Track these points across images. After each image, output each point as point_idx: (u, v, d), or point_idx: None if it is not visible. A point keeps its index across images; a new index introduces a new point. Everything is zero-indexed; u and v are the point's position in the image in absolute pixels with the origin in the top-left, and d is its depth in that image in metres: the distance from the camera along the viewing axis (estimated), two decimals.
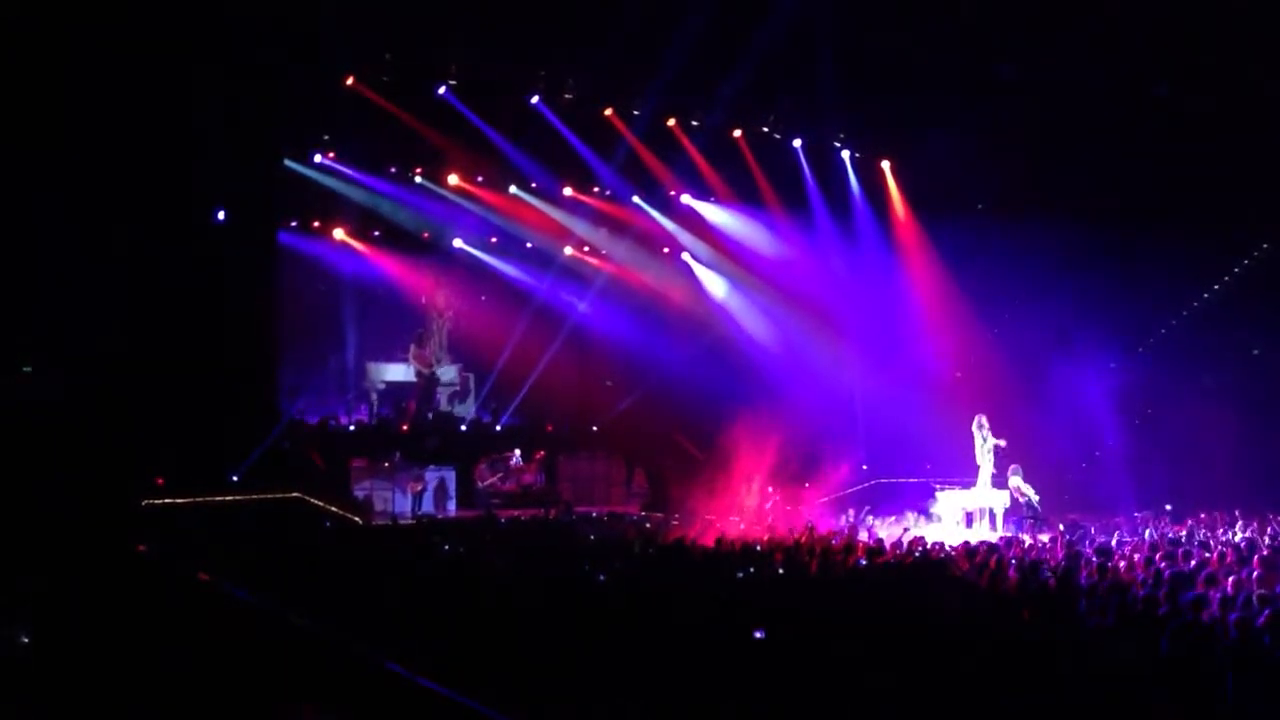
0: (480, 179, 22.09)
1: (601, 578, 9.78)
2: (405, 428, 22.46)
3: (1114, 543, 14.59)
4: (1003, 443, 19.50)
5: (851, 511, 20.24)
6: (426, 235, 23.22)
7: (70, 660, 6.36)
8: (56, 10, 15.52)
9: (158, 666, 6.16)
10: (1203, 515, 18.17)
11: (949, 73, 19.24)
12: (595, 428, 24.57)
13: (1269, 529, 16.06)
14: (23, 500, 13.81)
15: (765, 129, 22.60)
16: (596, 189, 22.85)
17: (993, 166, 21.46)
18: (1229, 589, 9.60)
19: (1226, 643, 7.77)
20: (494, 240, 23.69)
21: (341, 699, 5.77)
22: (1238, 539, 14.56)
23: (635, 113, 21.26)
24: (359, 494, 20.35)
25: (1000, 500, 19.04)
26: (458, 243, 23.54)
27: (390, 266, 23.27)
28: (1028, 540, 15.53)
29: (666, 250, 24.55)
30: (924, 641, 7.69)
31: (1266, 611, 8.28)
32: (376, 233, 22.90)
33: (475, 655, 7.34)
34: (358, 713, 5.70)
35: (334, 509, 18.37)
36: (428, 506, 20.87)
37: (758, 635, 7.47)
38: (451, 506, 21.35)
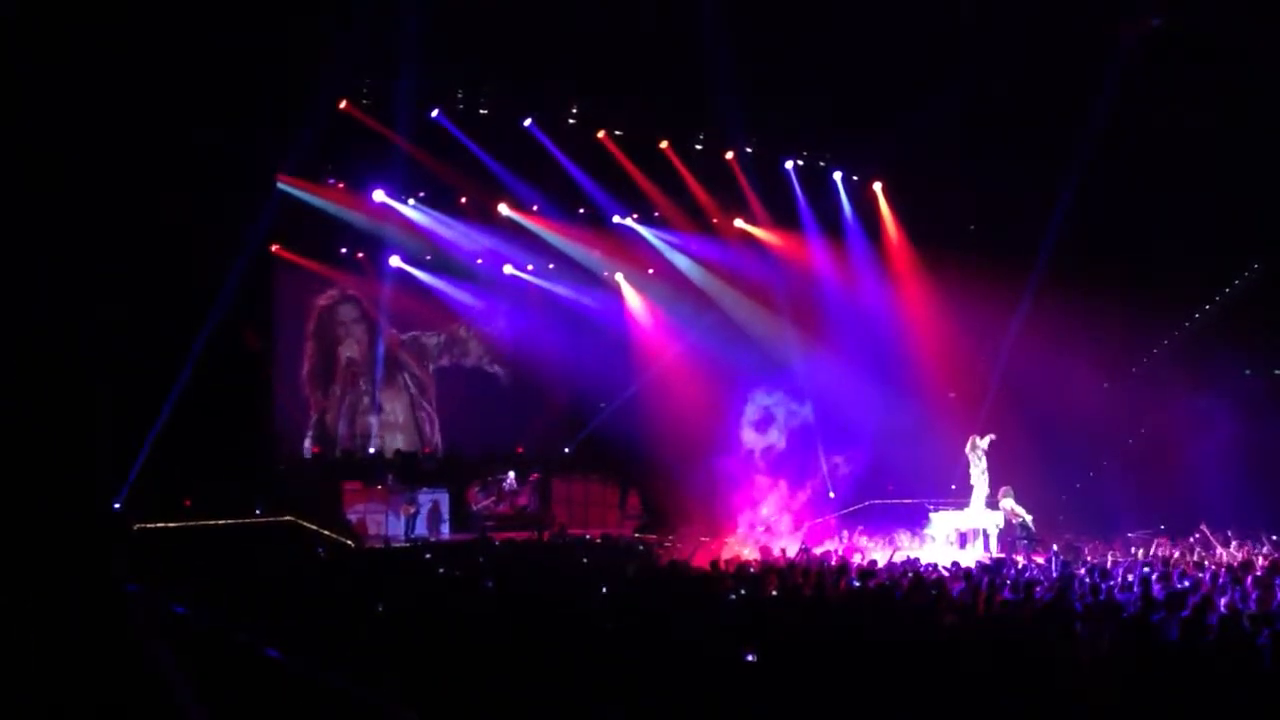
0: (464, 200, 22.11)
1: (606, 623, 9.60)
2: None
3: (1108, 564, 14.57)
4: (987, 441, 19.41)
5: (845, 532, 20.21)
6: (430, 258, 23.21)
7: (48, 690, 6.30)
8: (60, 30, 15.58)
9: (139, 698, 6.11)
10: (1196, 535, 18.15)
11: (941, 96, 19.34)
12: (587, 450, 24.57)
13: (1263, 549, 16.05)
14: (11, 524, 13.76)
15: (757, 151, 22.70)
16: (584, 210, 22.86)
17: (985, 188, 21.54)
18: (1224, 609, 9.58)
19: (1222, 663, 7.75)
20: (479, 261, 23.66)
21: None
22: (1231, 559, 14.56)
23: (628, 135, 21.38)
24: (352, 517, 20.30)
25: (994, 521, 19.00)
26: (453, 266, 23.50)
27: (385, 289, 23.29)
28: (1021, 561, 15.50)
29: (652, 271, 24.57)
30: (917, 663, 7.65)
31: (1265, 631, 8.26)
32: (368, 255, 22.89)
33: (466, 680, 7.30)
34: None
35: (327, 533, 18.34)
36: (421, 530, 20.83)
37: (749, 658, 7.43)
38: (445, 529, 21.30)
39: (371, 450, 23.19)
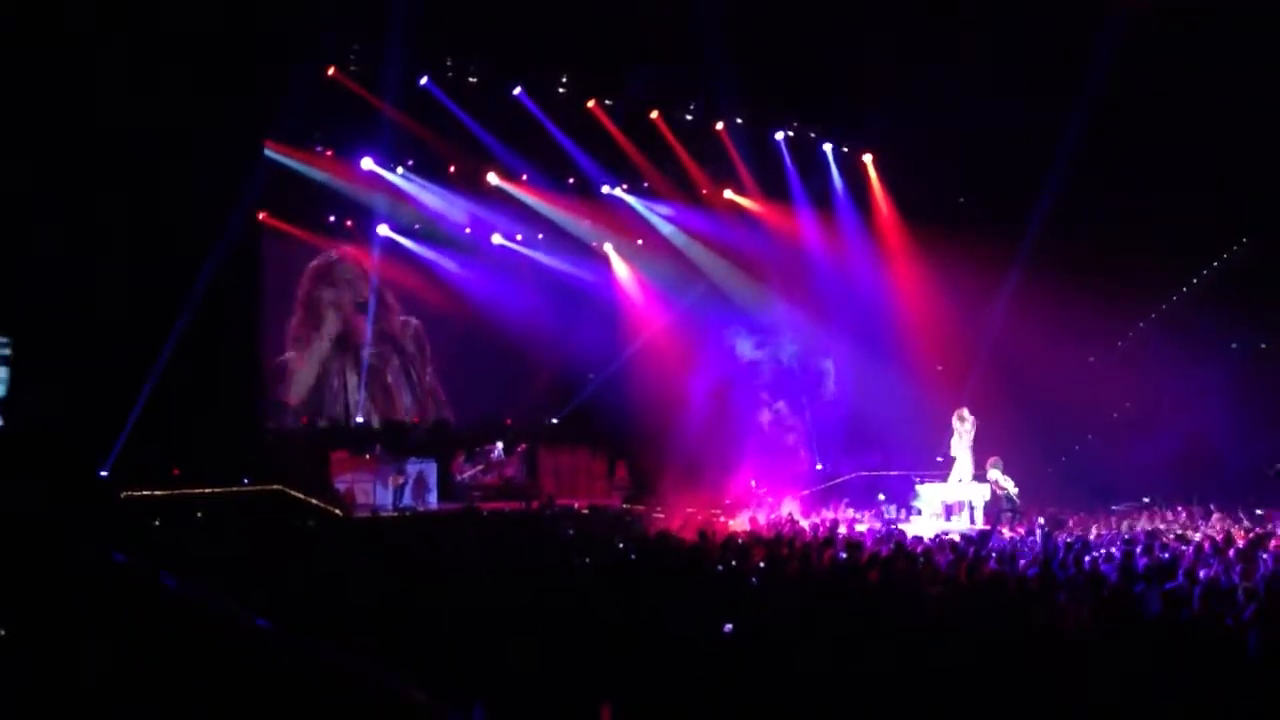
0: (454, 169, 21.99)
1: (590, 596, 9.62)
2: None
3: (1092, 536, 14.69)
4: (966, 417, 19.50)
5: (833, 504, 20.33)
6: (418, 226, 23.10)
7: (40, 670, 6.29)
8: (42, 8, 15.40)
9: (129, 676, 6.10)
10: (1180, 509, 18.31)
11: (933, 66, 19.28)
12: (575, 420, 24.59)
13: (1243, 523, 16.21)
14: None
15: (746, 121, 22.63)
16: (573, 179, 22.77)
17: (974, 160, 21.52)
18: (1205, 582, 9.68)
19: (1204, 635, 7.84)
20: (468, 230, 23.55)
21: (322, 708, 5.73)
22: (1214, 533, 14.69)
23: (617, 104, 21.27)
24: (340, 487, 20.29)
25: (980, 493, 19.11)
26: (444, 235, 23.36)
27: (373, 258, 23.22)
28: (1006, 533, 15.62)
29: (642, 242, 24.53)
30: (902, 635, 7.71)
31: (1252, 607, 8.35)
32: (357, 223, 22.78)
33: (454, 653, 7.33)
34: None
35: (315, 502, 18.32)
36: (408, 499, 20.82)
37: (726, 629, 7.47)
38: (432, 499, 21.28)
39: (360, 419, 23.17)
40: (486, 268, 23.62)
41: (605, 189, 23.01)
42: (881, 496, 20.81)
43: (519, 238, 23.84)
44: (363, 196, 21.78)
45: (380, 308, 23.81)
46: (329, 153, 20.73)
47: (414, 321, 24.30)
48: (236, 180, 18.25)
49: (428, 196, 22.08)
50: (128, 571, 9.74)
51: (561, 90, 20.98)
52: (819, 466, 22.89)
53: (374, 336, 23.62)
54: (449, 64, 20.03)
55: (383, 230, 22.67)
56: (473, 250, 23.56)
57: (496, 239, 23.73)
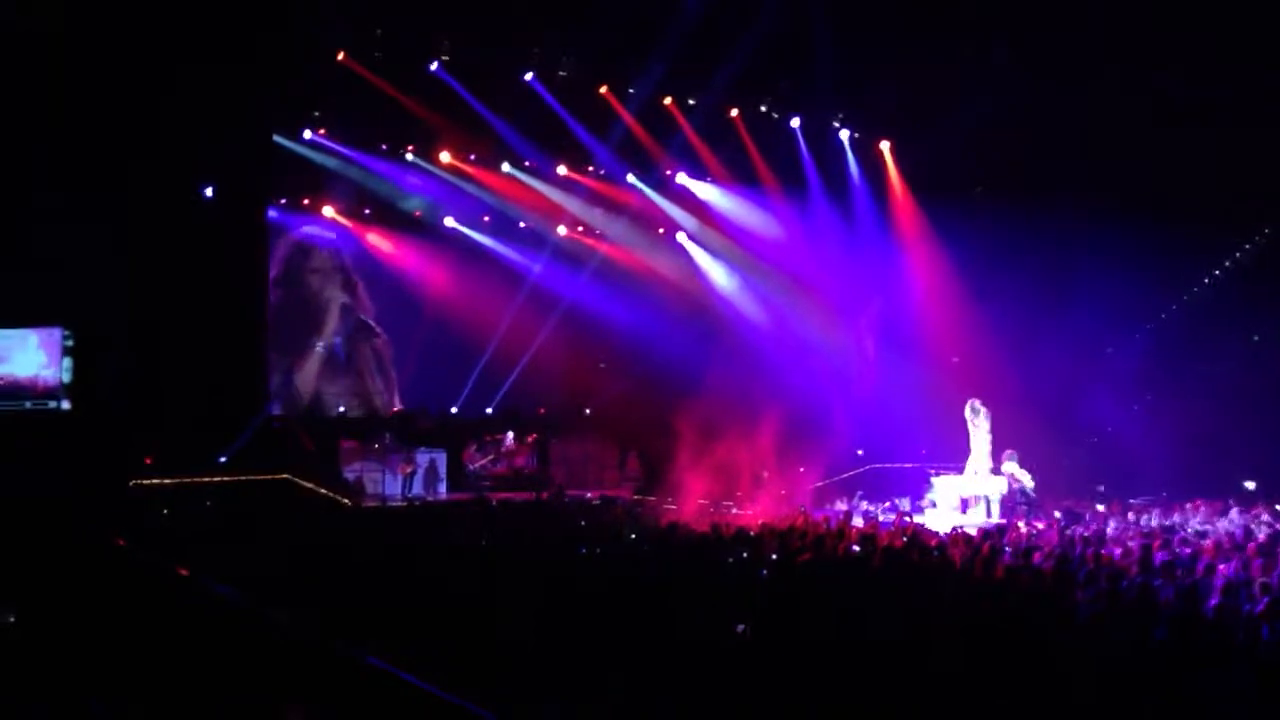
0: (473, 157, 21.88)
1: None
2: None
3: (1109, 530, 14.48)
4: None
5: (846, 496, 20.13)
6: (419, 214, 23.02)
7: (49, 656, 6.21)
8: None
9: (139, 664, 6.01)
10: (1199, 503, 18.04)
11: (949, 54, 19.05)
12: (588, 410, 24.44)
13: (1264, 517, 15.94)
14: (10, 481, 13.71)
15: (763, 108, 22.40)
16: (591, 168, 22.63)
17: (992, 149, 21.27)
18: (1224, 577, 9.49)
19: (1221, 630, 7.67)
20: (486, 219, 23.41)
21: (329, 698, 5.62)
22: (1233, 527, 14.46)
23: (630, 91, 21.08)
24: (349, 476, 20.24)
25: (996, 486, 18.87)
26: (450, 221, 23.30)
27: (380, 245, 23.13)
28: (1023, 527, 15.40)
29: (662, 230, 24.34)
30: (916, 628, 7.56)
31: (1265, 600, 8.17)
32: (367, 210, 22.70)
33: (463, 646, 7.21)
34: (345, 712, 5.54)
35: (324, 491, 18.27)
36: (418, 489, 20.76)
37: (739, 629, 7.33)
38: (442, 489, 21.22)
39: (341, 409, 23.10)
40: (492, 254, 23.45)
41: (630, 178, 22.86)
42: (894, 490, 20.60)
43: (522, 225, 23.62)
44: (373, 182, 21.70)
45: (357, 295, 23.76)
46: (338, 138, 20.63)
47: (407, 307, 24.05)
48: (245, 164, 18.23)
49: (437, 182, 22.02)
50: (133, 558, 9.67)
51: (563, 74, 20.84)
52: (859, 453, 22.60)
53: (351, 324, 23.57)
54: (456, 50, 19.87)
55: (389, 216, 22.64)
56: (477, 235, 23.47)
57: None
